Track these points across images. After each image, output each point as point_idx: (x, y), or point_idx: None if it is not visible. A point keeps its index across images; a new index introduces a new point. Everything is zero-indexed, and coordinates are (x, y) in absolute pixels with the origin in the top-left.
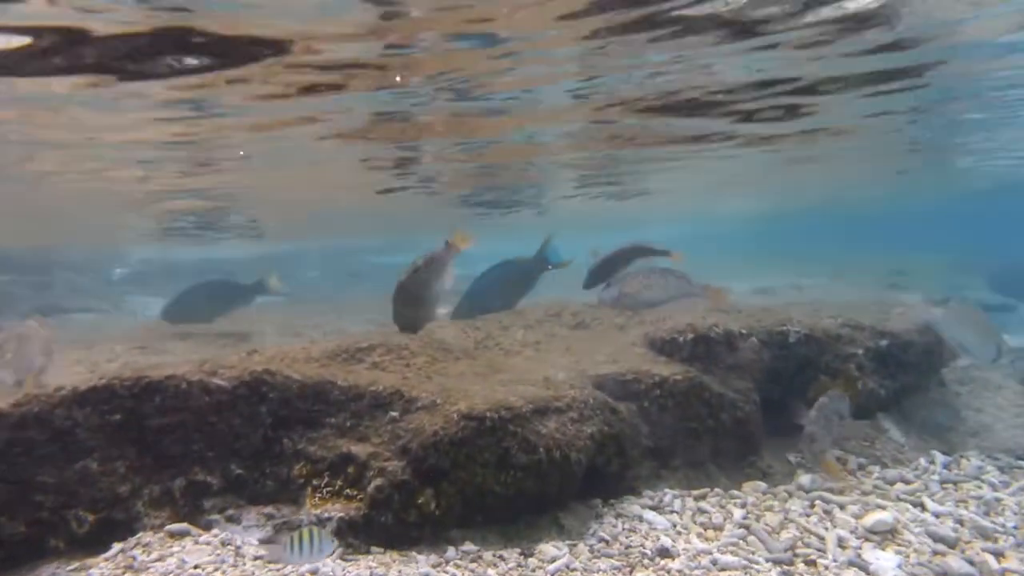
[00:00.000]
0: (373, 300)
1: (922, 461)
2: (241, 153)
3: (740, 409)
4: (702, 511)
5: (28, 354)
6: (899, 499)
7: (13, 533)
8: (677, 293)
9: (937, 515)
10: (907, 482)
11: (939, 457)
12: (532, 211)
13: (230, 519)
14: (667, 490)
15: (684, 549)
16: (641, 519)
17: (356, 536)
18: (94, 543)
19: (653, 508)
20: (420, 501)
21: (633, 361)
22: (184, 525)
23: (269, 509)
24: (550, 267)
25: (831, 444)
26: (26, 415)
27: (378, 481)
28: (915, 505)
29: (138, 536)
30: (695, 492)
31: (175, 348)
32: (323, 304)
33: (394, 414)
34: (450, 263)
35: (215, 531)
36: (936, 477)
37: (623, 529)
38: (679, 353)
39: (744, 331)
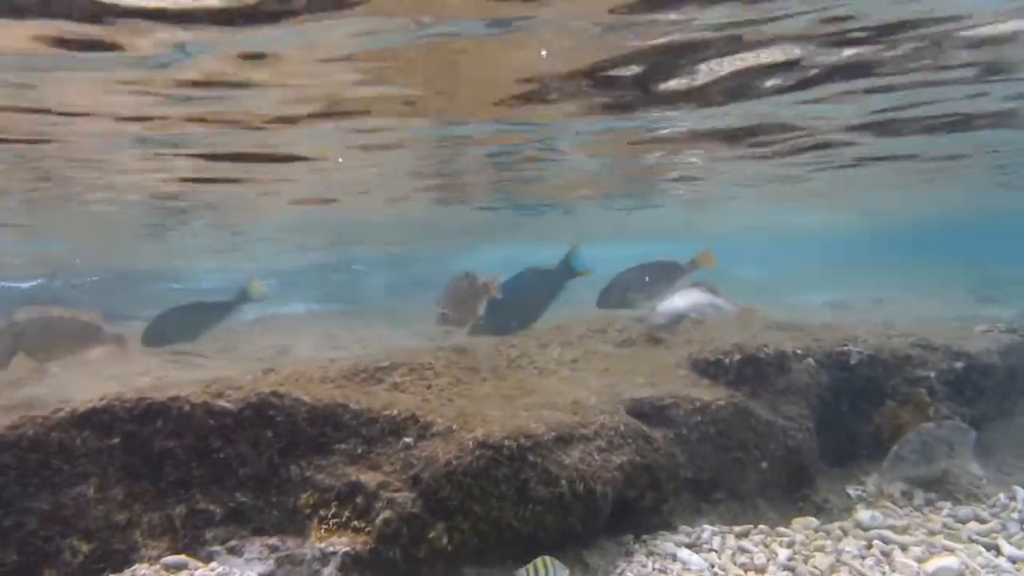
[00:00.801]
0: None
1: (1001, 497)
2: (340, 160)
3: (791, 437)
4: (743, 550)
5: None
6: (971, 540)
7: (5, 562)
8: (704, 309)
9: (1014, 560)
10: (982, 521)
11: (1021, 493)
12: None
13: (232, 551)
14: (706, 526)
15: None
16: (675, 558)
17: (362, 572)
18: (88, 574)
19: (689, 546)
20: (431, 535)
21: (673, 384)
22: (182, 558)
23: (274, 540)
24: (576, 275)
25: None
26: (21, 437)
27: (386, 513)
28: (989, 548)
29: (133, 568)
30: (737, 528)
31: (209, 363)
32: (376, 313)
33: (408, 440)
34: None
35: (214, 564)
36: (1016, 516)
37: (653, 569)
38: (724, 376)
39: (799, 351)
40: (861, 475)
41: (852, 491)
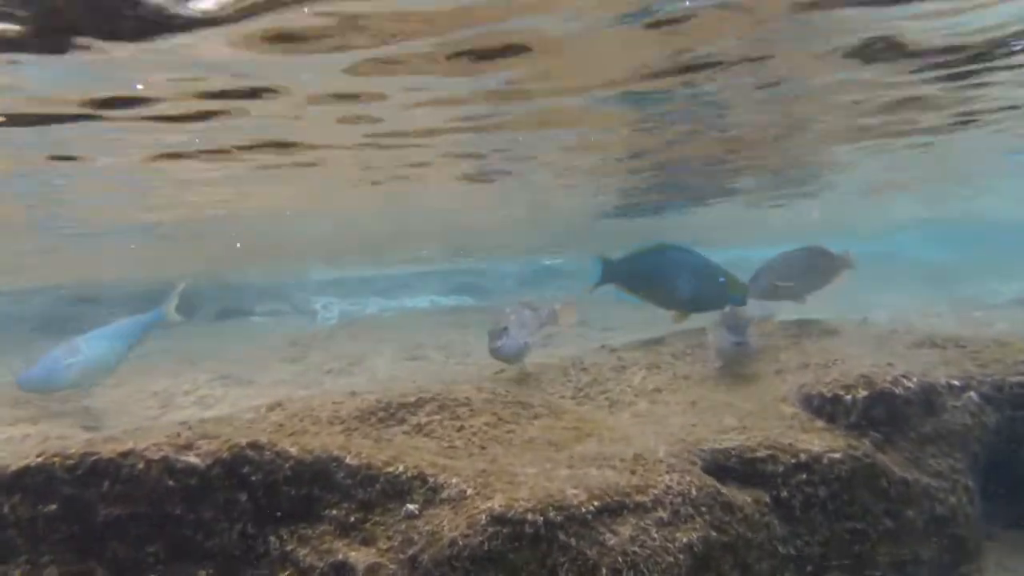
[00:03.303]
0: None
1: None
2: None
3: (941, 502)
4: None
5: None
6: None
7: None
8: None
9: None
10: None
11: None
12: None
13: None
14: None
15: None
16: None
17: None
18: None
19: None
20: None
21: (772, 428)
22: None
23: None
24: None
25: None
26: None
27: None
28: None
29: None
30: None
31: (266, 377)
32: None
33: (412, 507)
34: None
35: None
36: None
37: None
38: (844, 417)
39: (955, 382)
40: None
41: None
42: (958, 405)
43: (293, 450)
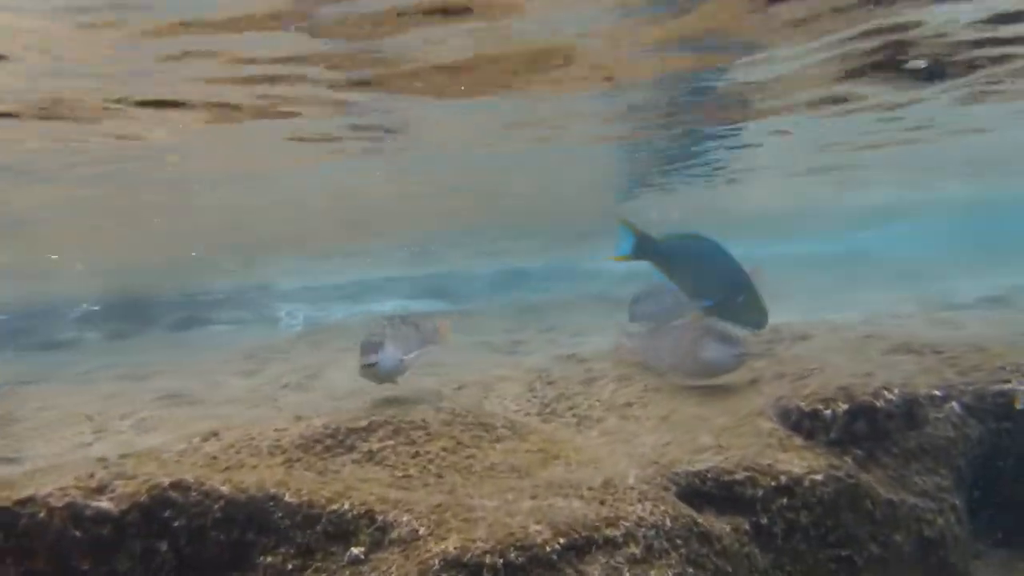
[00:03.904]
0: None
1: None
2: None
3: (929, 523)
4: None
5: None
6: None
7: None
8: None
9: None
10: None
11: None
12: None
13: None
14: None
15: None
16: None
17: None
18: None
19: None
20: None
21: (749, 446)
22: None
23: None
24: None
25: None
26: None
27: None
28: None
29: None
30: None
31: (216, 395)
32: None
33: (357, 552)
34: None
35: None
36: None
37: None
38: (824, 433)
39: (937, 392)
40: None
41: None
42: (940, 417)
43: (224, 488)
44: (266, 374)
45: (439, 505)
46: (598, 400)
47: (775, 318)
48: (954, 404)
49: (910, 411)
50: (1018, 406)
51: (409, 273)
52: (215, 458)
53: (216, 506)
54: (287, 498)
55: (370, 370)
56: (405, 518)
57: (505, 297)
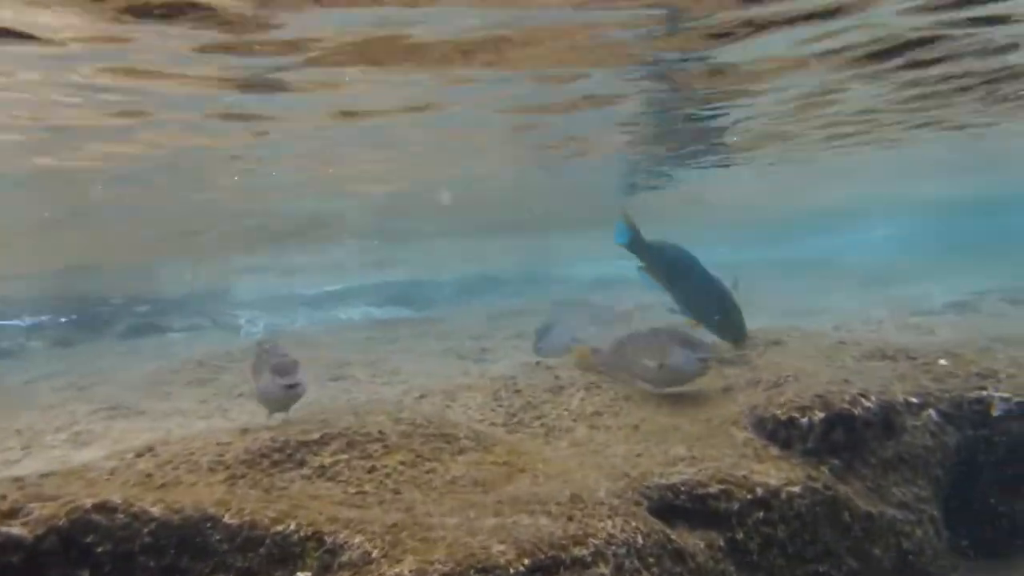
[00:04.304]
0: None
1: None
2: None
3: (908, 536)
4: None
5: None
6: None
7: None
8: None
9: None
10: None
11: None
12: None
13: None
14: None
15: None
16: None
17: None
18: None
19: None
20: None
21: (724, 457)
22: None
23: None
24: None
25: None
26: None
27: None
28: None
29: None
30: None
31: (162, 405)
32: (424, 324)
33: None
34: None
35: None
36: None
37: None
38: (801, 443)
39: (913, 399)
40: (1014, 570)
41: None
42: (918, 425)
43: (155, 509)
44: (219, 384)
45: (395, 524)
46: (567, 409)
47: (749, 324)
48: (931, 412)
49: (888, 419)
50: (995, 413)
51: (376, 280)
52: (149, 476)
53: (145, 529)
54: (226, 519)
55: (289, 394)
56: (357, 539)
57: (474, 304)
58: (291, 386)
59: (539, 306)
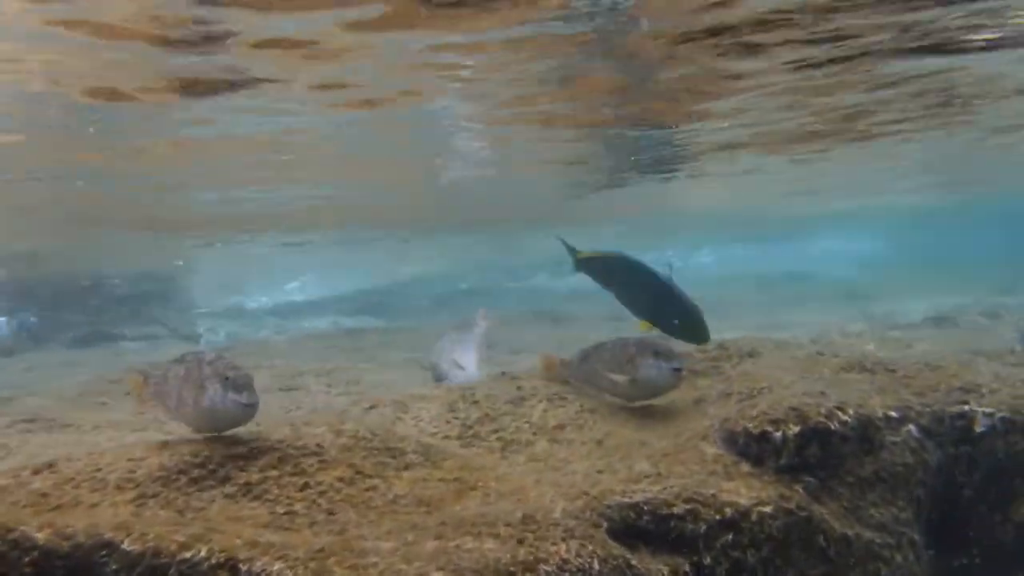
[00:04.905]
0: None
1: None
2: None
3: (886, 561)
4: None
5: None
6: None
7: None
8: None
9: None
10: None
11: None
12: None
13: None
14: None
15: None
16: None
17: None
18: None
19: None
20: None
21: (692, 474)
22: None
23: None
24: None
25: None
26: None
27: None
28: None
29: None
30: None
31: (93, 418)
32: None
33: None
34: None
35: None
36: None
37: None
38: (774, 459)
39: (893, 413)
40: None
41: None
42: (897, 441)
43: (40, 535)
44: None
45: (322, 549)
46: (527, 422)
47: (723, 335)
48: (911, 427)
49: (866, 434)
50: (979, 429)
51: (346, 290)
52: (44, 495)
53: (27, 559)
54: (125, 545)
55: (246, 413)
56: (276, 567)
57: (446, 314)
58: (249, 405)
59: (513, 316)
